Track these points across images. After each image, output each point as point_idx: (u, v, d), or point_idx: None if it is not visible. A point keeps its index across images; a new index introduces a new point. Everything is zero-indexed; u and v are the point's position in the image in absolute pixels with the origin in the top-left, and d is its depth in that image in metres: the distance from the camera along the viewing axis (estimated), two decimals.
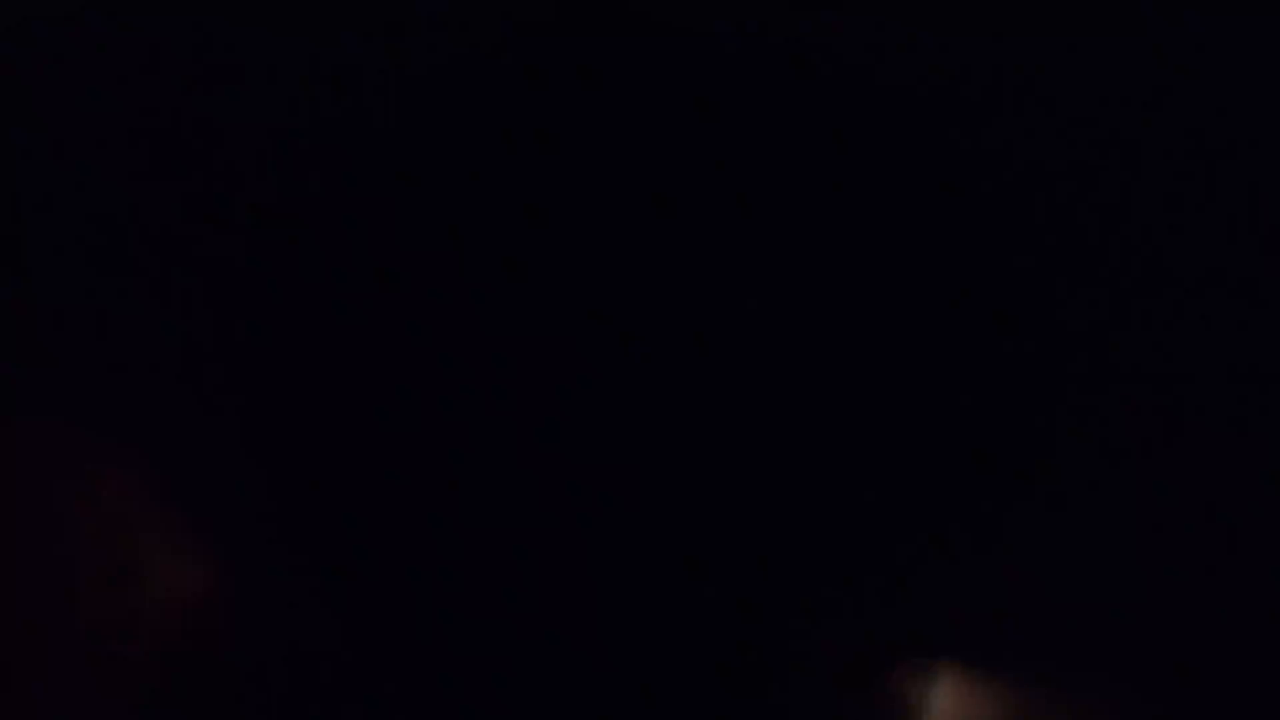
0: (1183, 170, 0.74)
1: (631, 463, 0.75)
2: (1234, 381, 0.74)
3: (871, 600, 0.76)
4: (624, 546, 0.75)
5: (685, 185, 0.75)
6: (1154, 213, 0.74)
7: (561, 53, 0.75)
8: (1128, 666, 0.77)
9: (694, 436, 0.74)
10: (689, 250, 0.74)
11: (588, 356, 0.74)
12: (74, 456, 0.77)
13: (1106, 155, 0.73)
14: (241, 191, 0.75)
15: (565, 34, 0.75)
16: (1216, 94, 0.74)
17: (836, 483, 0.75)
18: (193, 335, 0.76)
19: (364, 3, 0.76)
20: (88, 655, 0.76)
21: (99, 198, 0.76)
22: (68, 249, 0.75)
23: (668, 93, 0.74)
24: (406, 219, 0.75)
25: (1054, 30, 0.73)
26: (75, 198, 0.76)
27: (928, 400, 0.74)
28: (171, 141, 0.76)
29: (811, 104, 0.74)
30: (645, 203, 0.74)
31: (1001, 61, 0.73)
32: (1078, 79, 0.73)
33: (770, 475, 0.75)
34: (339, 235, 0.74)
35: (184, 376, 0.76)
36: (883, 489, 0.75)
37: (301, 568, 0.76)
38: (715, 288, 0.73)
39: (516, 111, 0.75)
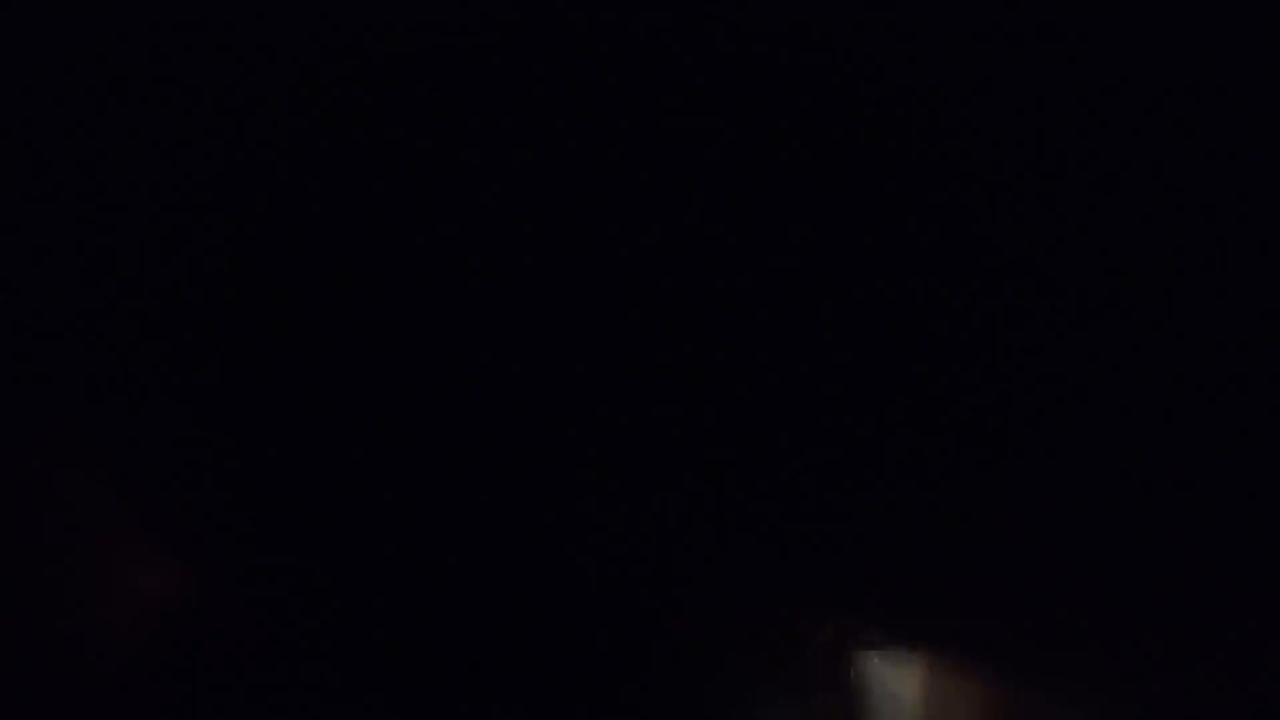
0: (1178, 167, 0.74)
1: (606, 450, 0.75)
2: (1228, 375, 0.74)
3: (850, 592, 0.77)
4: (601, 539, 0.76)
5: (681, 182, 0.75)
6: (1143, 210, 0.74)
7: (557, 49, 0.75)
8: (1117, 661, 0.77)
9: (680, 418, 0.75)
10: (682, 246, 0.74)
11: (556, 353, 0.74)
12: (50, 458, 0.78)
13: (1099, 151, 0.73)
14: (232, 191, 0.75)
15: (561, 33, 0.75)
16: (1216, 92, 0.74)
17: (822, 476, 0.75)
18: (171, 333, 0.76)
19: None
20: (65, 656, 0.77)
21: (91, 196, 0.76)
22: (51, 249, 0.75)
23: (665, 89, 0.74)
24: (397, 218, 0.75)
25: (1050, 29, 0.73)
26: (68, 197, 0.76)
27: (913, 390, 0.75)
28: (168, 139, 0.76)
29: (807, 102, 0.74)
30: (635, 198, 0.74)
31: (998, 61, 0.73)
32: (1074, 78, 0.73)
33: (755, 467, 0.75)
34: (321, 235, 0.75)
35: (166, 375, 0.77)
36: (867, 480, 0.75)
37: (286, 566, 0.77)
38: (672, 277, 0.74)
39: (514, 107, 0.75)
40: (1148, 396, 0.75)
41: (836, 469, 0.76)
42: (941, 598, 0.77)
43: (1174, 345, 0.75)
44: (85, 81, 0.77)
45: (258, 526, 0.77)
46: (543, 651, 0.77)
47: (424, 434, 0.76)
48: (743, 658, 0.77)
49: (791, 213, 0.74)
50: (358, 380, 0.76)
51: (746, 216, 0.74)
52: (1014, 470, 0.75)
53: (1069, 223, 0.75)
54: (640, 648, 0.77)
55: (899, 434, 0.75)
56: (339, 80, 0.76)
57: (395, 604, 0.77)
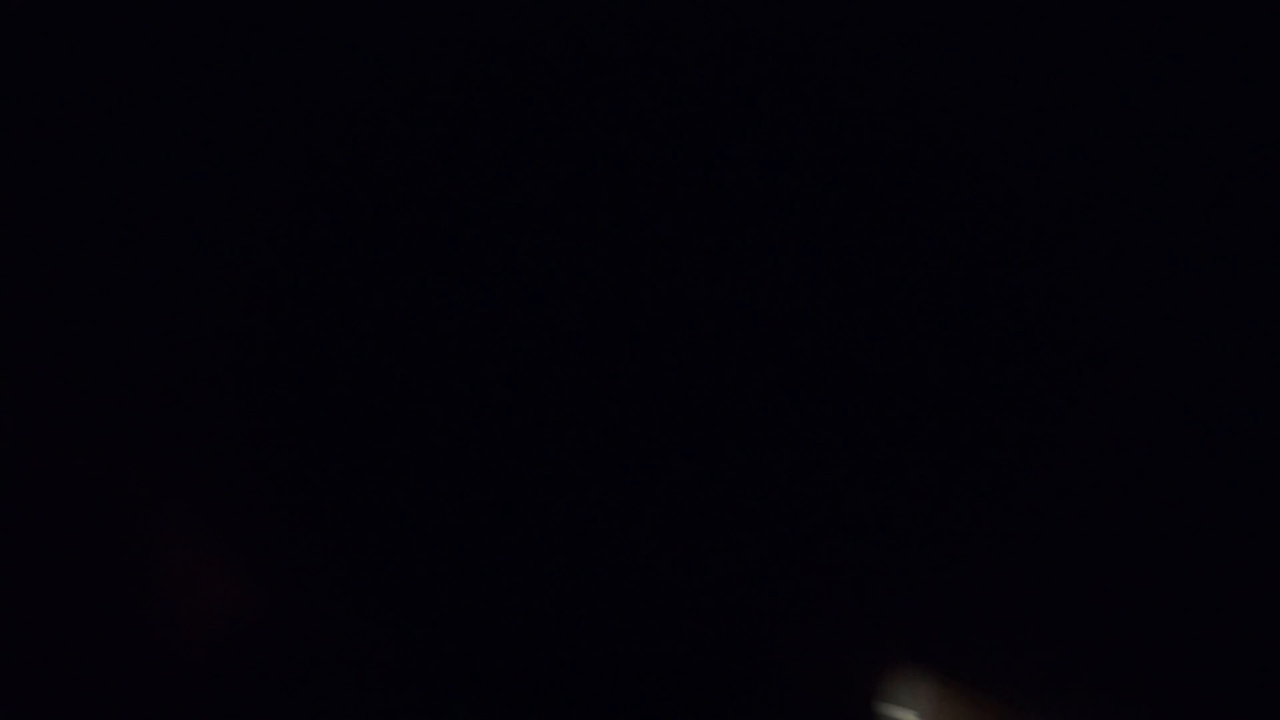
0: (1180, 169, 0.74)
1: (622, 462, 0.75)
2: (1229, 386, 0.74)
3: (858, 603, 0.76)
4: (613, 546, 0.76)
5: (684, 184, 0.75)
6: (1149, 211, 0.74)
7: (561, 54, 0.75)
8: (1117, 672, 0.77)
9: (683, 435, 0.75)
10: (684, 248, 0.74)
11: (584, 356, 0.75)
12: (102, 469, 0.78)
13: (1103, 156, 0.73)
14: (249, 192, 0.75)
15: (564, 35, 0.75)
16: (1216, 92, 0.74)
17: (825, 486, 0.75)
18: (220, 346, 0.77)
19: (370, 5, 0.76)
20: (119, 661, 0.77)
21: (106, 197, 0.76)
22: (103, 255, 0.76)
23: (668, 94, 0.75)
24: (415, 221, 0.75)
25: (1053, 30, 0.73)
26: (79, 197, 0.76)
27: (917, 402, 0.74)
28: (174, 139, 0.76)
29: (810, 103, 0.74)
30: (640, 202, 0.74)
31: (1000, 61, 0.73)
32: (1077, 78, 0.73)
33: (756, 476, 0.75)
34: (358, 241, 0.75)
35: (209, 386, 0.77)
36: (872, 492, 0.75)
37: (325, 571, 0.77)
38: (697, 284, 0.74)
39: (517, 112, 0.75)
40: (1155, 420, 0.75)
41: (854, 497, 0.77)
42: (953, 621, 0.77)
43: (1178, 358, 0.75)
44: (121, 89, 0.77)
45: (293, 530, 0.78)
46: (563, 674, 0.77)
47: (473, 451, 0.76)
48: (761, 683, 0.78)
49: (818, 235, 0.74)
50: (394, 393, 0.77)
51: (782, 246, 0.75)
52: (1029, 497, 0.76)
53: (1073, 230, 0.75)
54: (659, 672, 0.77)
55: (912, 461, 0.76)
56: (363, 98, 0.76)
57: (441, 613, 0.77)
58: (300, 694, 0.80)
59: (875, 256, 0.77)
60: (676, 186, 0.77)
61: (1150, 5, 0.75)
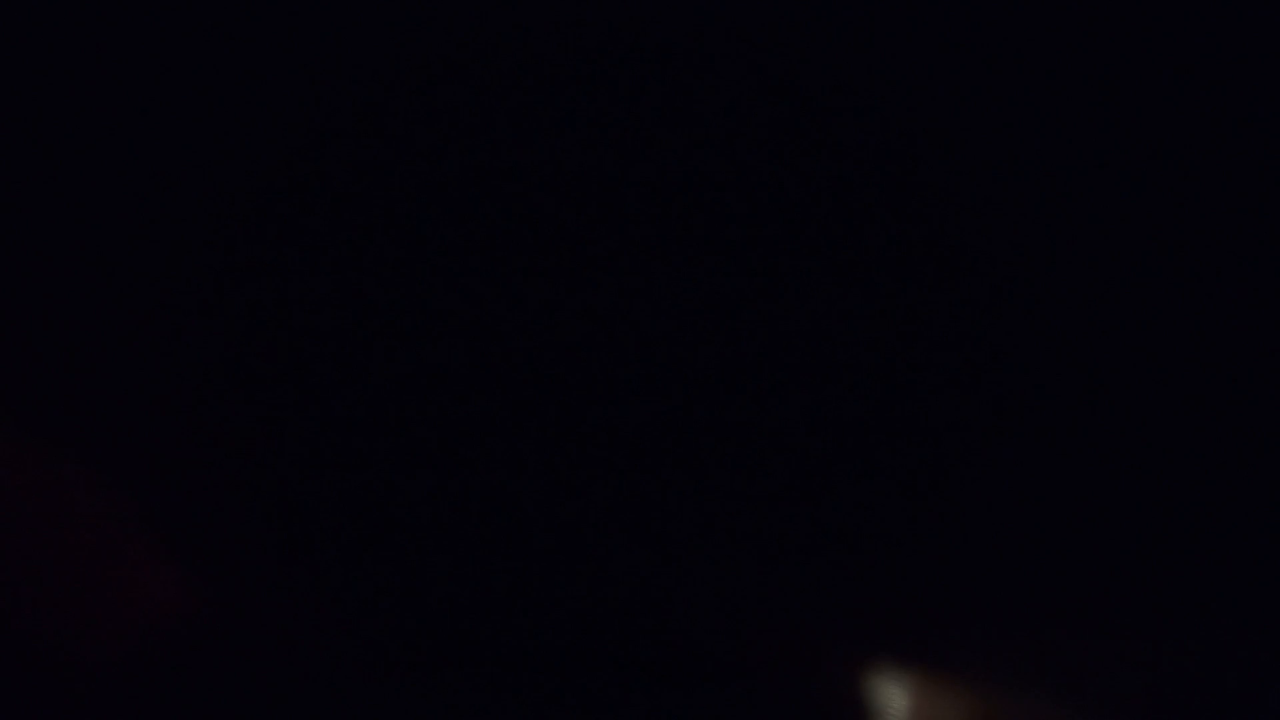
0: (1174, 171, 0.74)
1: (606, 454, 0.76)
2: (1213, 381, 0.74)
3: (835, 598, 0.77)
4: (594, 537, 0.76)
5: (682, 186, 0.75)
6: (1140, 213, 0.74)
7: (560, 54, 0.75)
8: (1098, 664, 0.77)
9: (666, 429, 0.75)
10: (682, 249, 0.75)
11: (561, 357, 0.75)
12: (52, 462, 0.78)
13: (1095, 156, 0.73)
14: (237, 192, 0.76)
15: (565, 36, 0.75)
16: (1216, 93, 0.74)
17: (803, 479, 0.76)
18: (174, 335, 0.77)
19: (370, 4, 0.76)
20: (66, 660, 0.78)
21: (96, 197, 0.76)
22: (52, 249, 0.76)
23: (666, 95, 0.75)
24: (404, 220, 0.75)
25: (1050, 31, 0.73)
26: (71, 197, 0.76)
27: (891, 396, 0.75)
28: (168, 139, 0.76)
29: (806, 105, 0.74)
30: (637, 203, 0.74)
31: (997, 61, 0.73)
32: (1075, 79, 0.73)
33: (736, 469, 0.76)
34: (331, 237, 0.75)
35: (168, 377, 0.77)
36: (849, 485, 0.75)
37: (290, 569, 0.77)
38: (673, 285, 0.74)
39: (516, 112, 0.75)
40: (1136, 410, 0.75)
41: (830, 487, 0.77)
42: (934, 611, 0.78)
43: (1166, 353, 0.75)
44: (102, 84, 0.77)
45: (270, 530, 0.78)
46: (547, 665, 0.78)
47: (452, 447, 0.77)
48: (742, 673, 0.78)
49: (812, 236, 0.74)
50: (372, 387, 0.76)
51: (775, 248, 0.75)
52: (1006, 485, 0.76)
53: (1063, 229, 0.75)
54: (641, 662, 0.78)
55: (892, 451, 0.76)
56: (353, 87, 0.76)
57: (413, 610, 0.77)
58: (264, 690, 0.80)
59: (872, 255, 0.77)
60: (672, 187, 0.77)
61: (1148, 6, 0.75)
